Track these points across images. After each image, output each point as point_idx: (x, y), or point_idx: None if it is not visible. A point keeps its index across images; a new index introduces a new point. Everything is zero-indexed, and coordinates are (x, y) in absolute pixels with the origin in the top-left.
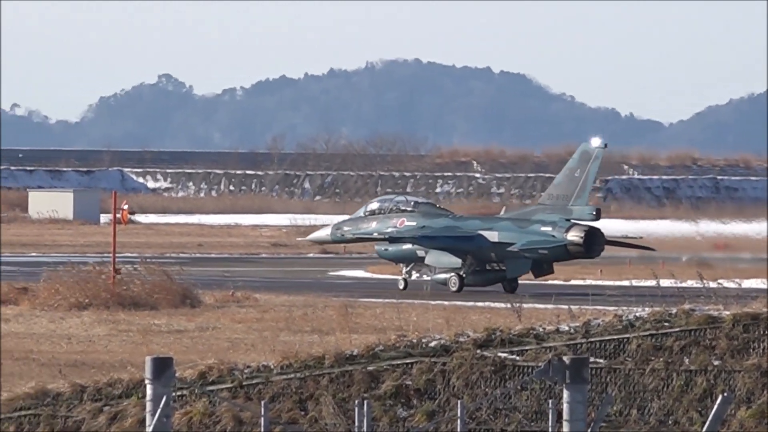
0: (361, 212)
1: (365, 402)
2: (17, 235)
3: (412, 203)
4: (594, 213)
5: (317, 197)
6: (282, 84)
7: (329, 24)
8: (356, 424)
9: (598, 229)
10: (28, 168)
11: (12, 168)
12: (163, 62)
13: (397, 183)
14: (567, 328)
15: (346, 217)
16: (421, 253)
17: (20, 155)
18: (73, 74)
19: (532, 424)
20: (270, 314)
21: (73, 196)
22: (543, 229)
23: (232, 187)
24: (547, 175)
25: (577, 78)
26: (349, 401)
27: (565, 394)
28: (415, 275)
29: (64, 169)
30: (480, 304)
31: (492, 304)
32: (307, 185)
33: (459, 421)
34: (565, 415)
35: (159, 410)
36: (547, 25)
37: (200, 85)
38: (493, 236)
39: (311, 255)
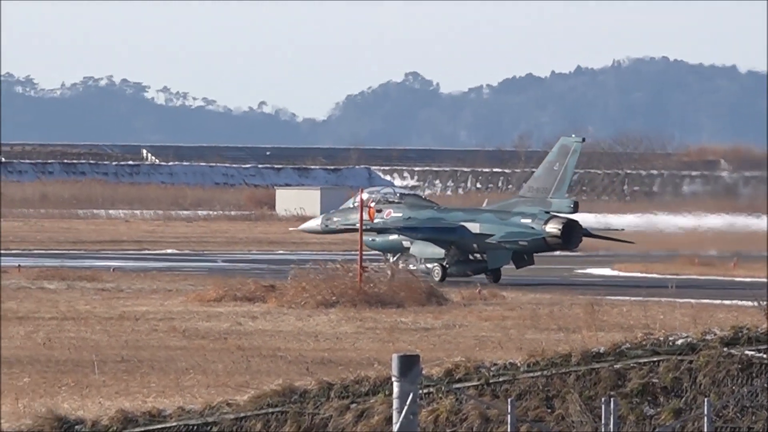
0: (350, 203)
1: (612, 400)
2: (265, 232)
3: (399, 195)
4: (572, 205)
5: None
6: (528, 82)
7: (576, 22)
8: (603, 422)
9: (576, 222)
10: (276, 166)
11: (259, 166)
12: (410, 60)
13: (644, 181)
14: None
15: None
16: (407, 243)
17: (268, 153)
18: (320, 73)
19: None
20: (516, 312)
21: (320, 193)
22: (523, 221)
23: (479, 185)
24: None
25: None
26: (595, 399)
27: None
28: (401, 265)
29: (312, 166)
30: (727, 302)
31: (739, 303)
32: None
33: (705, 419)
34: None
35: (406, 408)
36: None
37: (447, 83)
38: (474, 228)
39: (557, 253)
